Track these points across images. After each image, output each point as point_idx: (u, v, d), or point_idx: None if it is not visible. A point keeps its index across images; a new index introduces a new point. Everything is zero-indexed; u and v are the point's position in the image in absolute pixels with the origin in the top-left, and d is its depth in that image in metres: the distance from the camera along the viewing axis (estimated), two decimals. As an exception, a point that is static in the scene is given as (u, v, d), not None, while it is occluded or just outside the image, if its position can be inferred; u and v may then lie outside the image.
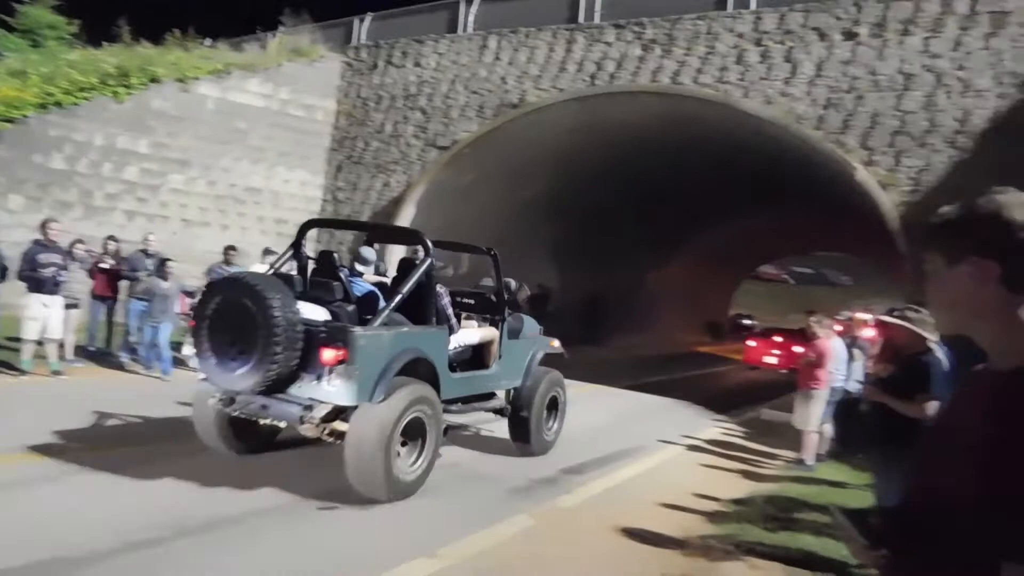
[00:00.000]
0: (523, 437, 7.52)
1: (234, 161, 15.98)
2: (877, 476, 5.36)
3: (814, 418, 8.34)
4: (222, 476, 5.84)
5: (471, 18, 16.48)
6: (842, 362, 8.77)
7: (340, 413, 5.57)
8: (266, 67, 16.57)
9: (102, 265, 10.59)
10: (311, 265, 6.68)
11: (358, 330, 5.40)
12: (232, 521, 4.93)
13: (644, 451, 8.63)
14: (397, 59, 16.94)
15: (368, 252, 6.82)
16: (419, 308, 6.15)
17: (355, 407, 5.44)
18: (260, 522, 4.98)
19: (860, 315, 9.89)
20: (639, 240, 23.48)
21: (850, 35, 12.19)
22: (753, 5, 13.23)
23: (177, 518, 4.82)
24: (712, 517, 6.13)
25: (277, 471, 6.14)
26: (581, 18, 15.00)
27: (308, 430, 5.54)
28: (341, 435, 5.56)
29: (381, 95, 16.99)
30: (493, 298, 7.67)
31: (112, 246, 10.98)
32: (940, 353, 5.00)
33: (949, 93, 11.28)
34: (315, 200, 17.32)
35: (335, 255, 6.46)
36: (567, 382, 8.25)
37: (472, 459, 7.32)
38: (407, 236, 7.18)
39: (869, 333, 9.25)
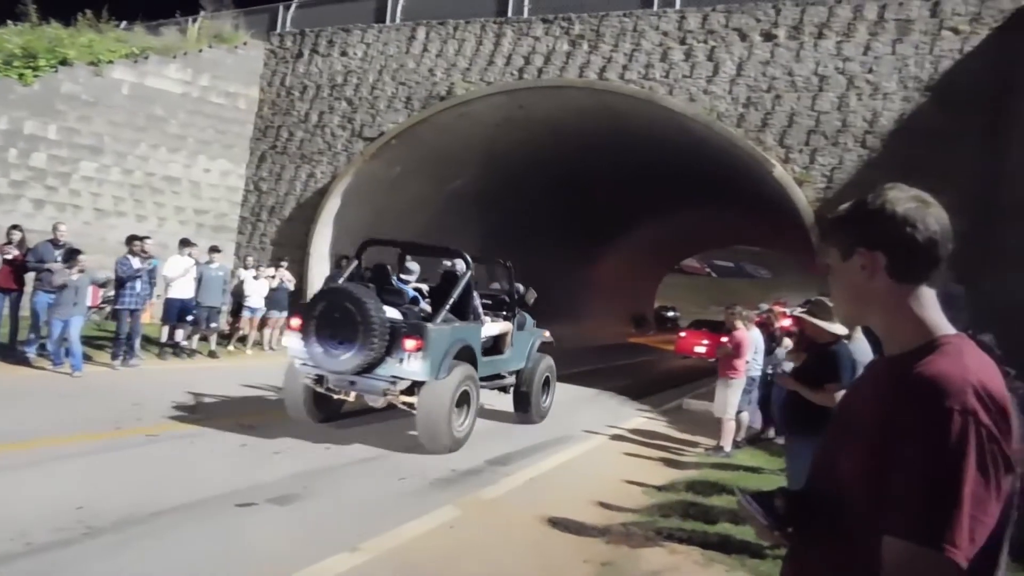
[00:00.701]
0: (524, 408, 9.44)
1: (151, 149, 15.39)
2: (789, 461, 5.59)
3: (731, 406, 8.61)
4: (137, 474, 5.66)
5: (399, 8, 16.30)
6: (759, 352, 9.09)
7: (414, 387, 7.27)
8: (185, 52, 16.00)
9: (6, 256, 10.05)
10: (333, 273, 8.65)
11: (430, 326, 7.23)
12: (144, 521, 4.76)
13: (569, 441, 8.75)
14: (323, 48, 16.62)
15: (413, 265, 8.71)
16: (462, 308, 8.10)
17: (423, 383, 7.18)
18: (172, 521, 4.82)
19: (778, 307, 10.24)
20: (567, 233, 23.73)
21: (769, 37, 12.59)
22: (678, 4, 13.52)
23: (87, 518, 4.64)
24: (633, 505, 6.26)
25: (192, 470, 5.98)
26: (510, 12, 15.03)
27: (387, 400, 7.43)
28: (409, 405, 7.36)
29: (306, 84, 16.64)
30: (506, 298, 9.61)
31: (16, 235, 10.43)
32: (863, 343, 5.22)
33: (860, 95, 11.78)
34: (237, 190, 16.86)
35: (388, 267, 8.27)
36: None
37: (396, 452, 7.27)
38: (450, 253, 8.94)
39: (787, 324, 9.62)
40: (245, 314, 13.20)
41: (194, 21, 17.76)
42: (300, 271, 15.38)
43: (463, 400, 7.56)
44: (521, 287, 9.87)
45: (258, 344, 13.72)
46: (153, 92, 15.41)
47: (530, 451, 7.99)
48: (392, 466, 6.75)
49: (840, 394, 4.91)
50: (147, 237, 11.24)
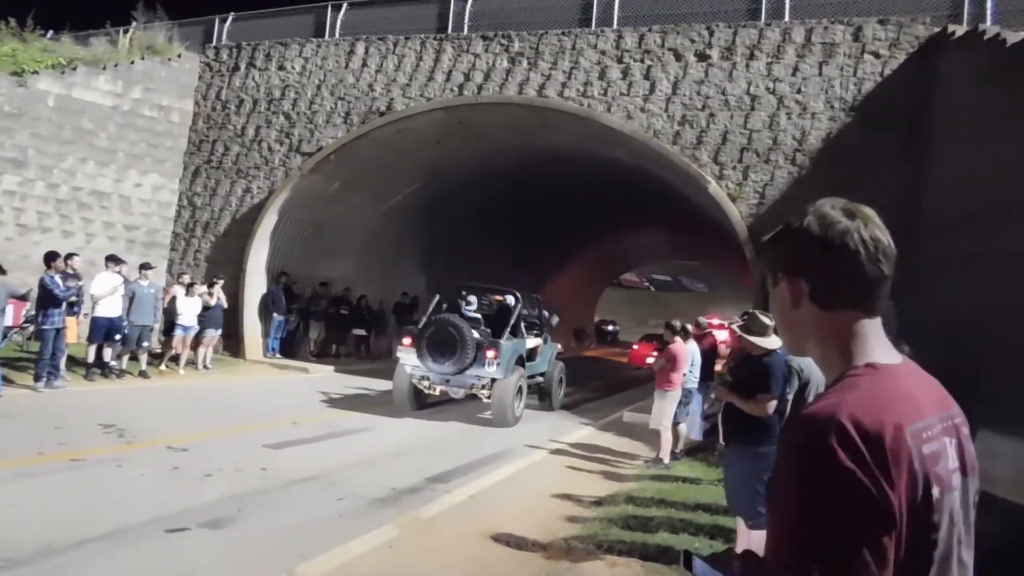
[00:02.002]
0: (547, 400, 12.98)
1: (79, 162, 14.88)
2: (726, 471, 5.69)
3: (667, 418, 8.74)
4: (60, 501, 5.42)
5: (339, 23, 16.20)
6: (695, 365, 9.26)
7: (490, 384, 10.70)
8: (116, 64, 15.55)
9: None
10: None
11: (502, 341, 10.81)
12: (66, 551, 4.55)
13: (511, 456, 8.74)
14: (260, 62, 16.38)
15: (472, 298, 11.91)
16: (514, 329, 11.64)
17: (496, 380, 10.65)
18: (98, 550, 4.63)
19: (716, 320, 10.47)
20: (508, 248, 23.84)
21: (703, 57, 12.93)
22: (615, 24, 13.78)
23: (4, 550, 4.41)
24: (574, 518, 6.28)
25: (119, 495, 5.76)
26: (450, 28, 15.08)
27: (467, 392, 10.93)
28: (487, 395, 10.81)
29: (243, 98, 16.36)
30: (537, 321, 13.54)
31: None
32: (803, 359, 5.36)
33: (789, 114, 12.19)
34: (170, 206, 16.41)
35: (461, 302, 11.78)
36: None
37: (334, 471, 7.14)
38: (505, 292, 12.80)
39: (723, 336, 9.83)
40: (177, 332, 12.80)
41: (125, 32, 17.30)
42: (236, 288, 15.05)
43: (519, 391, 11.12)
44: (547, 312, 14.23)
45: (191, 363, 13.32)
46: (81, 104, 14.92)
47: (471, 467, 7.95)
48: (329, 486, 6.63)
49: (771, 404, 5.07)
50: (75, 254, 10.84)
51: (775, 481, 1.17)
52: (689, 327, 9.62)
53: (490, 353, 10.54)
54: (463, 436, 9.96)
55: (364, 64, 15.42)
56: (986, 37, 9.78)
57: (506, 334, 11.12)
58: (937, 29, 11.44)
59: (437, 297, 11.99)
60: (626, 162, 15.19)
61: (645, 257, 39.43)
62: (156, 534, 4.97)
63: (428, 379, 10.84)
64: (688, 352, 9.03)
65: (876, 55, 11.79)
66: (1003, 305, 7.61)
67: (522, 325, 12.04)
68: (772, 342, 5.24)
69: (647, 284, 58.82)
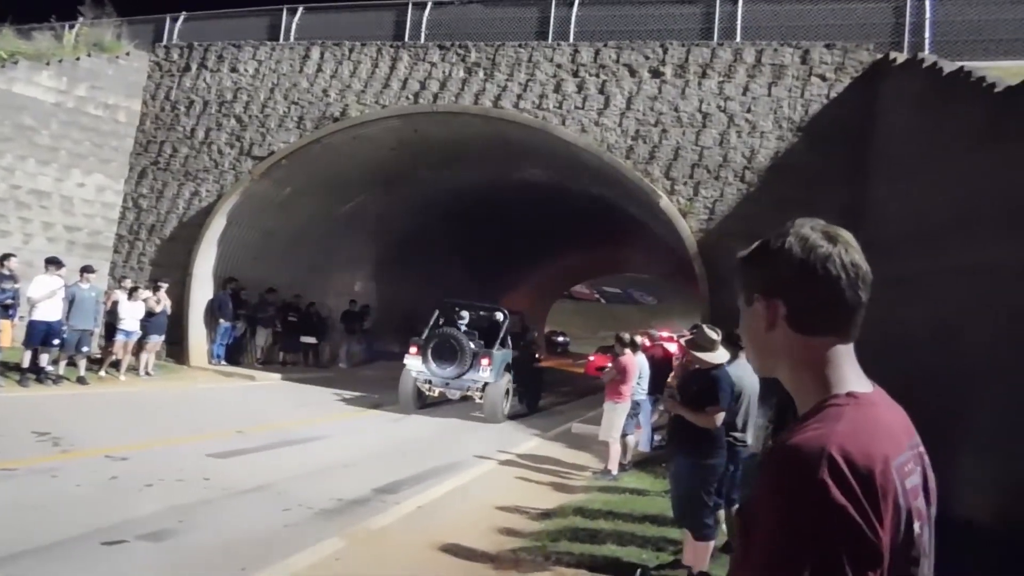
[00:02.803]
0: (524, 401, 14.56)
1: (18, 160, 14.36)
2: (673, 482, 5.77)
3: (616, 429, 8.83)
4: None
5: (294, 27, 16.03)
6: (644, 377, 9.38)
7: (483, 387, 12.50)
8: (60, 60, 15.08)
9: None
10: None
11: (494, 351, 12.63)
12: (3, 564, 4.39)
13: (459, 467, 8.71)
14: (212, 63, 16.08)
15: (464, 313, 13.58)
16: (503, 340, 13.41)
17: (488, 383, 12.44)
18: (30, 565, 4.46)
19: (666, 333, 10.62)
20: (460, 257, 23.82)
21: (657, 73, 13.15)
22: (571, 38, 13.93)
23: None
24: (523, 530, 6.29)
25: (53, 507, 5.56)
26: (407, 36, 15.05)
27: (463, 394, 12.67)
28: (480, 396, 12.60)
29: (193, 99, 16.03)
30: (520, 333, 15.52)
31: None
32: (742, 369, 5.49)
33: (739, 132, 12.47)
34: (114, 207, 15.96)
35: (456, 317, 13.52)
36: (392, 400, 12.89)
37: (280, 481, 7.02)
38: (495, 309, 14.71)
39: (673, 348, 9.98)
40: (119, 338, 12.43)
41: (71, 27, 16.80)
42: (181, 293, 14.70)
43: (507, 393, 13.07)
44: (530, 328, 17.53)
45: (133, 370, 12.96)
46: (22, 100, 14.42)
47: (419, 478, 7.90)
48: (275, 497, 6.51)
49: (719, 417, 5.17)
50: (11, 255, 10.47)
51: (755, 511, 1.12)
52: (639, 340, 9.74)
53: (484, 361, 12.43)
54: (413, 446, 9.90)
55: (319, 69, 15.27)
56: (924, 65, 10.18)
57: (496, 344, 13.00)
58: (880, 55, 11.86)
59: (436, 312, 13.92)
60: (579, 175, 15.34)
61: (596, 269, 39.78)
62: (92, 547, 4.81)
63: (431, 382, 12.68)
64: (637, 364, 9.14)
65: (823, 78, 12.16)
66: (938, 326, 7.90)
67: (508, 338, 13.74)
68: (719, 356, 5.35)
69: (598, 296, 59.33)
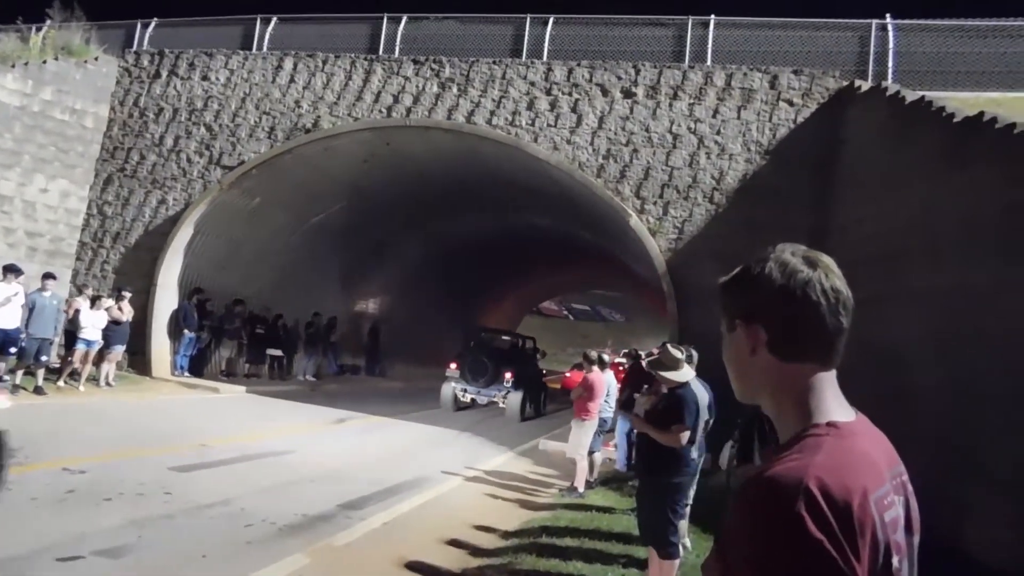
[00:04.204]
0: (530, 411, 16.96)
1: (-22, 164, 14.06)
2: (639, 500, 5.79)
3: (582, 447, 8.85)
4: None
5: (267, 37, 15.95)
6: (611, 395, 9.42)
7: (505, 395, 15.95)
8: (26, 62, 14.81)
9: None
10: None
11: (515, 367, 16.62)
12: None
13: (426, 483, 8.65)
14: (183, 70, 15.93)
15: (490, 337, 18.78)
16: (519, 359, 18.04)
17: (509, 392, 15.94)
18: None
19: (635, 351, 10.68)
20: (425, 272, 23.77)
21: (628, 94, 13.32)
22: (545, 56, 14.06)
23: None
24: (489, 546, 6.26)
25: (6, 521, 5.41)
26: (381, 50, 15.06)
27: (490, 400, 16.10)
28: (503, 402, 16.14)
29: (163, 106, 15.85)
30: (532, 353, 19.55)
31: None
32: (698, 386, 5.55)
33: (708, 154, 12.67)
34: (78, 214, 15.67)
35: (484, 341, 18.81)
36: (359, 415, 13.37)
37: (243, 495, 6.91)
38: (513, 334, 20.21)
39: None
40: (79, 347, 12.16)
41: (39, 30, 16.52)
42: (145, 302, 14.45)
43: (524, 400, 16.05)
44: (538, 349, 20.31)
45: (93, 380, 12.68)
46: (-16, 102, 14.14)
47: (386, 494, 7.83)
48: (237, 512, 6.40)
49: (685, 435, 5.21)
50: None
51: (731, 540, 1.11)
52: (606, 357, 9.79)
53: (508, 375, 16.20)
54: (380, 462, 9.80)
55: (292, 80, 15.20)
56: (888, 94, 10.46)
57: (516, 362, 17.12)
58: (845, 83, 12.16)
59: (469, 337, 19.52)
60: (551, 192, 15.42)
61: (565, 286, 39.92)
62: (47, 563, 4.69)
63: (466, 391, 16.34)
64: (605, 382, 9.19)
65: (790, 103, 12.42)
66: (896, 348, 8.06)
67: (525, 356, 18.82)
68: (684, 375, 5.41)
69: (566, 313, 59.52)
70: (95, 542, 5.04)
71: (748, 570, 1.06)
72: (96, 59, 16.01)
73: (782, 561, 1.02)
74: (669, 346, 5.64)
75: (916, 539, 1.24)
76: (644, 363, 5.78)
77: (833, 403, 1.23)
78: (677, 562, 5.27)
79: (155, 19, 16.91)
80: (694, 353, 6.06)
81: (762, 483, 1.10)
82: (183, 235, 14.99)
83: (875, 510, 1.08)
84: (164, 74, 16.00)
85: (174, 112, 15.76)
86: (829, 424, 1.18)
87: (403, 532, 6.44)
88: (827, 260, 1.26)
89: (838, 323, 1.22)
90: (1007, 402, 6.37)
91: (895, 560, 1.11)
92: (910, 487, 1.25)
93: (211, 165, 15.24)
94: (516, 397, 15.82)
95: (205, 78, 15.76)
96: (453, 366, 16.58)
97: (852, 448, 1.15)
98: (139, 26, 16.87)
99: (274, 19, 16.06)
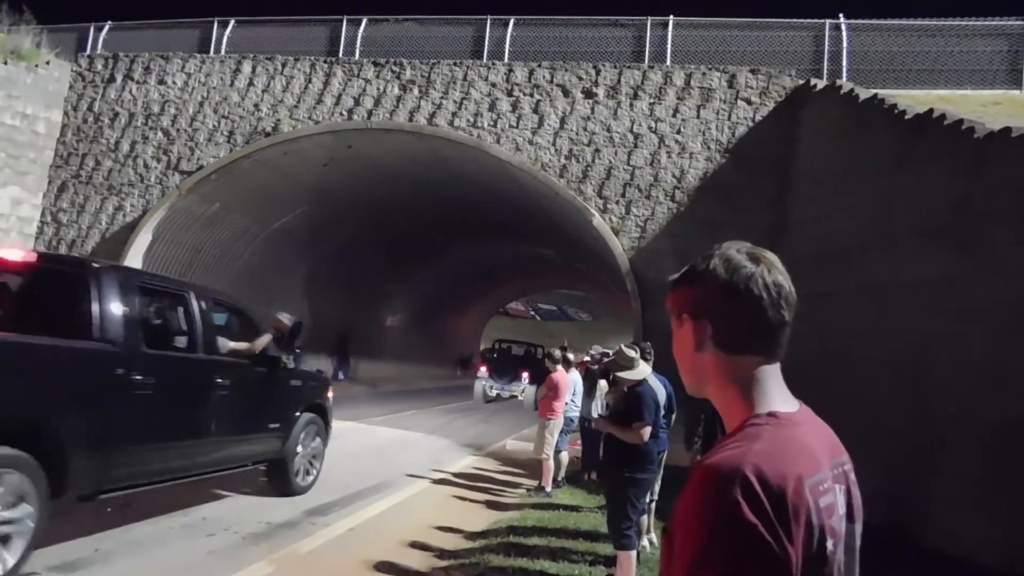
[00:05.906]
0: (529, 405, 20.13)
1: (-75, 172, 13.66)
2: (607, 499, 5.84)
3: (549, 446, 8.87)
4: None
5: (225, 40, 15.73)
6: (577, 394, 9.46)
7: (523, 390, 22.25)
8: (-27, 67, 14.43)
9: None
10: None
11: (530, 368, 22.49)
12: None
13: (392, 487, 8.61)
14: (139, 74, 15.63)
15: (510, 345, 26.78)
16: (533, 361, 23.63)
17: (526, 388, 21.75)
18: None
19: (600, 350, 10.74)
20: (390, 275, 23.67)
21: (590, 94, 13.39)
22: (506, 57, 14.07)
23: None
24: (456, 548, 6.24)
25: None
26: (341, 52, 14.95)
27: (511, 395, 22.76)
28: (521, 396, 22.24)
29: (118, 111, 15.54)
30: (542, 357, 18.90)
31: None
32: (655, 381, 5.62)
33: (669, 153, 12.78)
34: (31, 221, 15.29)
35: (506, 348, 26.87)
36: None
37: (203, 506, 6.81)
38: (528, 343, 26.73)
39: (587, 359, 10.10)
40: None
41: (-14, 34, 16.11)
42: (103, 311, 14.13)
43: (536, 394, 15.17)
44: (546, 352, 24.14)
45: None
46: (-69, 109, 13.75)
47: (351, 499, 7.77)
48: (199, 522, 6.31)
49: (647, 431, 5.26)
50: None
51: (676, 526, 1.16)
52: (571, 356, 9.83)
53: (524, 375, 21.90)
54: (344, 466, 9.69)
55: (250, 83, 15.01)
56: (842, 92, 10.66)
57: (530, 364, 22.15)
58: (801, 81, 12.36)
59: (493, 344, 26.61)
60: (514, 193, 15.44)
61: (531, 287, 40.02)
62: (1, 579, 4.57)
63: (493, 387, 22.26)
64: (570, 381, 9.22)
65: (748, 102, 12.59)
66: (847, 340, 8.22)
67: (536, 359, 22.75)
68: (640, 372, 5.48)
69: (533, 313, 59.67)
70: (48, 557, 4.92)
71: (690, 552, 1.09)
72: (48, 63, 15.63)
73: (720, 544, 1.06)
74: (623, 347, 5.73)
75: (858, 525, 1.27)
76: (594, 368, 5.84)
77: (776, 394, 1.27)
78: (633, 553, 5.33)
79: (109, 22, 16.56)
80: (650, 349, 6.16)
81: (703, 470, 1.14)
82: (141, 242, 14.70)
83: (810, 495, 1.11)
84: (119, 78, 15.69)
85: (130, 117, 15.46)
86: (770, 414, 1.22)
87: (369, 537, 6.40)
88: (770, 256, 1.30)
89: (780, 317, 1.25)
90: (960, 393, 6.54)
91: (829, 544, 1.14)
92: (852, 476, 1.29)
93: (169, 170, 14.98)
94: (531, 391, 19.05)
95: (161, 82, 15.49)
96: (484, 369, 22.87)
97: (791, 437, 1.18)
98: (92, 30, 16.50)
99: (232, 22, 15.84)
